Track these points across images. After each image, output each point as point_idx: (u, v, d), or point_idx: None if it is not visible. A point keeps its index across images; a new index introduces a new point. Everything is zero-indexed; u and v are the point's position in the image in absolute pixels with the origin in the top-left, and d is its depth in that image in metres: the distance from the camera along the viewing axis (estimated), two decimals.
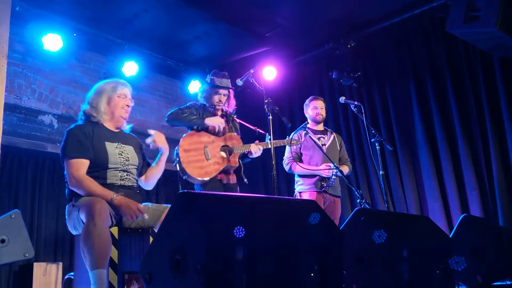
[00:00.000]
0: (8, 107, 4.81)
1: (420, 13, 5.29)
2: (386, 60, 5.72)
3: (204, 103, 3.87)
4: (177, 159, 3.59)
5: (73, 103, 5.59)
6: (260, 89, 3.70)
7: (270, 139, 3.61)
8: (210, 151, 3.65)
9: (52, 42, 5.08)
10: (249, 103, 6.23)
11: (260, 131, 3.90)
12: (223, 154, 3.71)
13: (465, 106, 5.01)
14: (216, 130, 3.71)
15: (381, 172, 4.17)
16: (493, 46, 4.46)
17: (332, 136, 4.47)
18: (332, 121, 6.08)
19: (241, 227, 1.48)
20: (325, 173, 4.14)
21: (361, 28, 5.71)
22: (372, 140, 4.23)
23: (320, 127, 4.52)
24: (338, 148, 4.44)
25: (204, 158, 3.62)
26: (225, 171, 3.70)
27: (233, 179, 3.77)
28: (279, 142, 3.88)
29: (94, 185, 2.59)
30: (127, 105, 2.91)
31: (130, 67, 5.78)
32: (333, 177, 4.13)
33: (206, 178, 3.57)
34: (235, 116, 3.98)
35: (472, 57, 4.99)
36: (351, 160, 5.84)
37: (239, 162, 3.76)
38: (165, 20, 5.44)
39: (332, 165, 4.05)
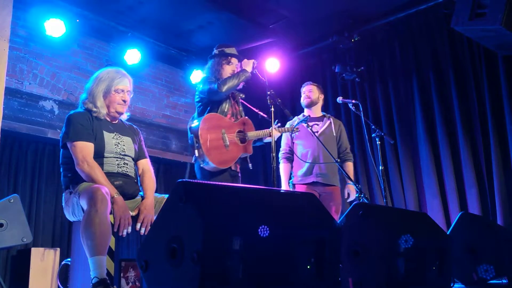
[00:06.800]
0: (9, 91, 4.80)
1: (425, 8, 5.28)
2: (389, 55, 5.70)
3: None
4: (197, 144, 3.31)
5: (74, 90, 5.57)
6: (262, 80, 3.66)
7: (272, 128, 3.48)
8: (228, 137, 3.44)
9: (55, 27, 5.04)
10: (251, 95, 6.21)
11: (263, 115, 3.77)
12: (238, 141, 3.51)
13: (467, 103, 5.00)
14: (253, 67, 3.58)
15: (380, 168, 4.15)
16: (498, 44, 4.43)
17: (328, 122, 4.22)
18: (333, 116, 6.07)
19: (259, 227, 1.47)
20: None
21: (366, 23, 5.68)
22: (372, 135, 4.21)
23: (317, 113, 4.28)
24: (335, 135, 4.18)
25: (223, 145, 3.40)
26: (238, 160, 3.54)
27: (238, 167, 3.61)
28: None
29: (102, 177, 2.56)
30: (124, 100, 2.82)
31: (133, 55, 5.75)
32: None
33: (225, 167, 3.39)
34: (243, 96, 3.79)
35: (476, 55, 4.97)
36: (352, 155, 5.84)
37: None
38: (168, 8, 5.40)
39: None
